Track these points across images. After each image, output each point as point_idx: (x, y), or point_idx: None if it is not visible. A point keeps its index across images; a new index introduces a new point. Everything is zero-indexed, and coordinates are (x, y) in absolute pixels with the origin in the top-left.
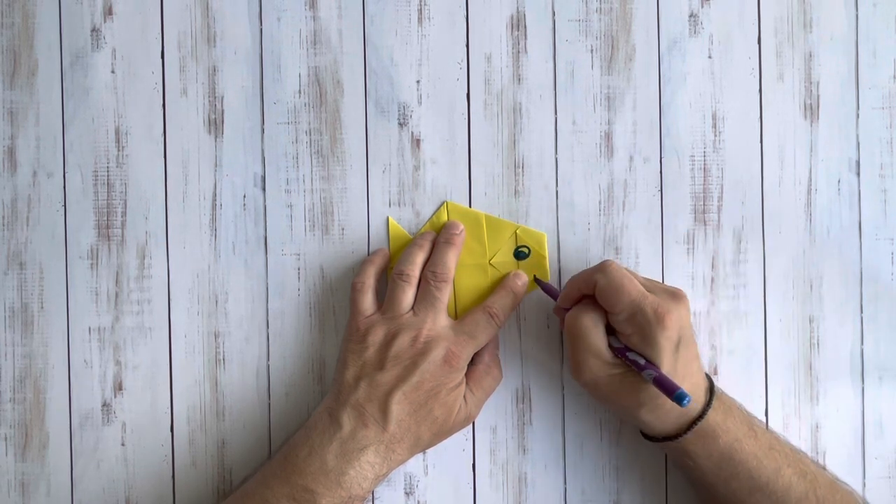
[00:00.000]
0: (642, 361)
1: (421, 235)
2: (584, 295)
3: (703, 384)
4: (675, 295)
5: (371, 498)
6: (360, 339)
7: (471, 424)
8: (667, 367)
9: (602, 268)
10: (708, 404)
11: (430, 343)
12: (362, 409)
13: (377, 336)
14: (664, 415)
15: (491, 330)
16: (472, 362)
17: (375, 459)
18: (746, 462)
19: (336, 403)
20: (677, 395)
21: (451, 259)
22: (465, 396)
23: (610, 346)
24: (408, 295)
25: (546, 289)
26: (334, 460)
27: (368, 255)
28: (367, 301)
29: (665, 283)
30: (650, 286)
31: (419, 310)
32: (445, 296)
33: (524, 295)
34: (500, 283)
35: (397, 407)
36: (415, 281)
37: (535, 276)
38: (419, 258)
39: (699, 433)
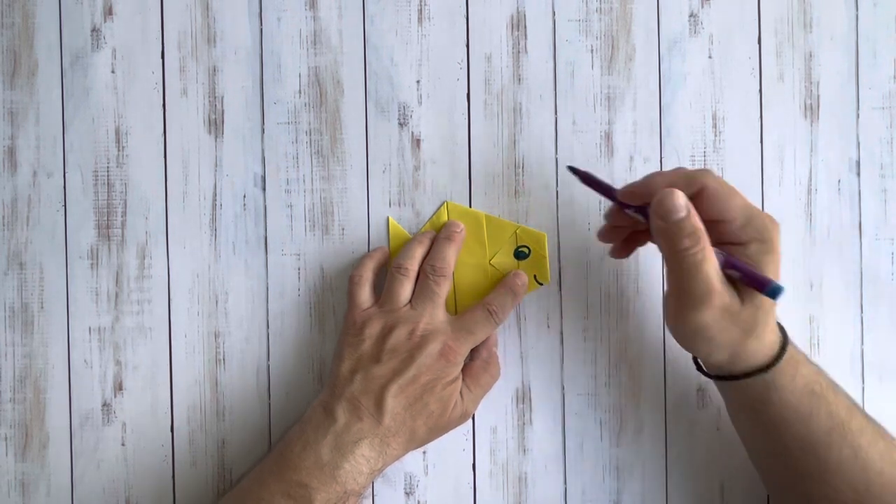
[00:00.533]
0: (753, 271)
1: (422, 233)
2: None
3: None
4: None
5: (371, 498)
6: (357, 332)
7: (469, 422)
8: (777, 276)
9: (708, 172)
10: (783, 331)
11: (427, 337)
12: (357, 401)
13: (374, 329)
14: (765, 339)
15: (489, 327)
16: (470, 357)
17: (370, 453)
18: (826, 396)
19: (331, 397)
20: (773, 288)
21: (451, 255)
22: (461, 392)
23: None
24: (405, 288)
25: (594, 184)
26: (329, 454)
27: (368, 251)
28: (365, 294)
29: (665, 283)
30: None
31: (417, 303)
32: (444, 290)
33: (524, 295)
34: (500, 281)
35: (393, 400)
36: (413, 275)
37: (570, 168)
38: (418, 253)
39: (788, 360)
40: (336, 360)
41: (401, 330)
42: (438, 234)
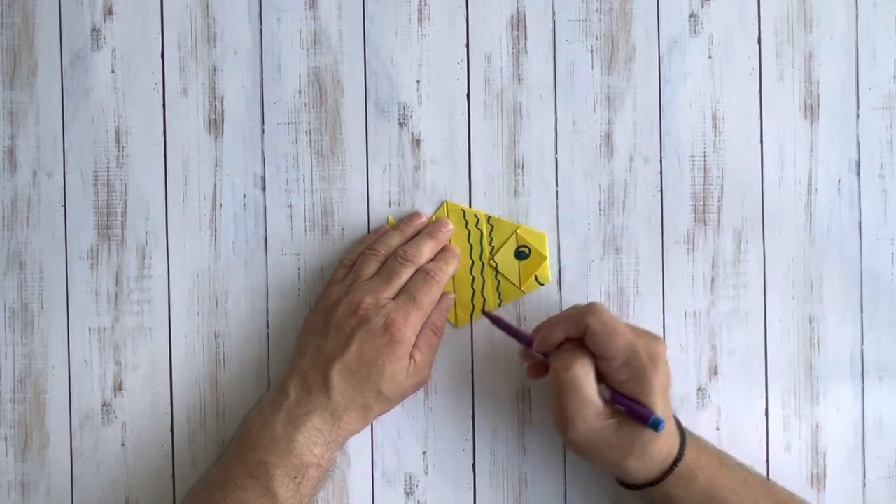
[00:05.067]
0: (637, 405)
1: (407, 220)
2: (568, 339)
3: (674, 425)
4: (656, 337)
5: (371, 498)
6: (314, 307)
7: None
8: (661, 412)
9: (592, 310)
10: (682, 444)
11: (369, 311)
12: (307, 376)
13: (326, 302)
14: (650, 461)
15: (429, 286)
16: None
17: (322, 426)
18: (726, 499)
19: (287, 373)
20: (653, 422)
21: (427, 249)
22: (414, 357)
23: (600, 394)
24: (371, 267)
25: (510, 331)
26: (283, 428)
27: (368, 231)
28: (340, 274)
29: (664, 284)
30: (632, 329)
31: (374, 279)
32: (405, 275)
33: (458, 259)
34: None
35: (338, 377)
36: (383, 258)
37: (485, 311)
38: (395, 242)
39: (679, 475)
40: (298, 336)
41: (346, 303)
42: (423, 230)
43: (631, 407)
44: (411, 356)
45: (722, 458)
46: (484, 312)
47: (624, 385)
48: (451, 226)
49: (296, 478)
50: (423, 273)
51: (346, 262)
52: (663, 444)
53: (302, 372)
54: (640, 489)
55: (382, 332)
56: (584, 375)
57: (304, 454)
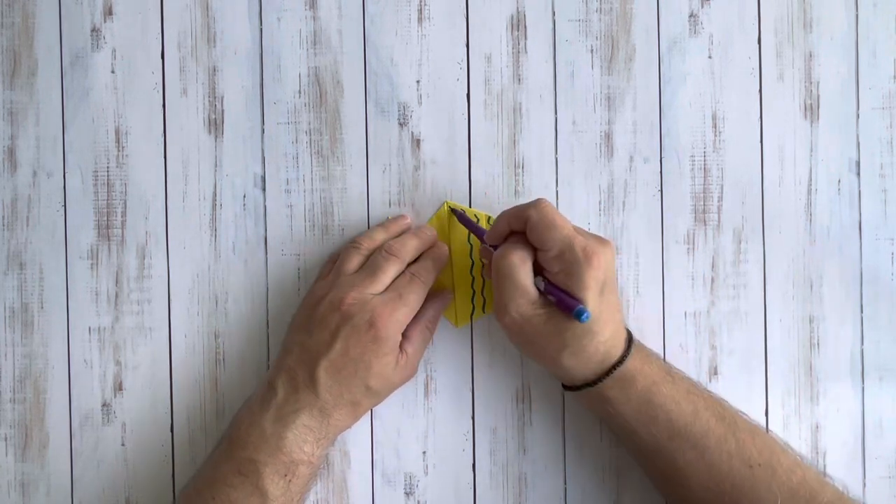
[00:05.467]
0: (565, 295)
1: (393, 220)
2: (513, 232)
3: (623, 334)
4: (603, 240)
5: (371, 498)
6: (301, 303)
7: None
8: (591, 307)
9: (535, 204)
10: (627, 351)
11: (353, 307)
12: (294, 373)
13: (310, 299)
14: (586, 359)
15: (414, 286)
16: (413, 317)
17: (311, 423)
18: (665, 405)
19: (275, 370)
20: (577, 311)
21: (412, 245)
22: (405, 350)
23: (536, 285)
24: (353, 262)
25: (469, 225)
26: (272, 426)
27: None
28: (326, 270)
29: (664, 284)
30: (580, 231)
31: (358, 273)
32: (390, 269)
33: (445, 261)
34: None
35: (324, 375)
36: (365, 252)
37: (450, 207)
38: (379, 237)
39: (618, 378)
40: (286, 333)
41: (330, 299)
42: (409, 231)
43: (559, 296)
44: (403, 349)
45: (670, 371)
46: (450, 209)
47: (557, 276)
48: (434, 232)
49: (286, 475)
50: (408, 273)
51: (333, 258)
52: (600, 344)
53: (289, 369)
54: (580, 389)
55: (367, 329)
56: (520, 263)
57: (294, 451)
